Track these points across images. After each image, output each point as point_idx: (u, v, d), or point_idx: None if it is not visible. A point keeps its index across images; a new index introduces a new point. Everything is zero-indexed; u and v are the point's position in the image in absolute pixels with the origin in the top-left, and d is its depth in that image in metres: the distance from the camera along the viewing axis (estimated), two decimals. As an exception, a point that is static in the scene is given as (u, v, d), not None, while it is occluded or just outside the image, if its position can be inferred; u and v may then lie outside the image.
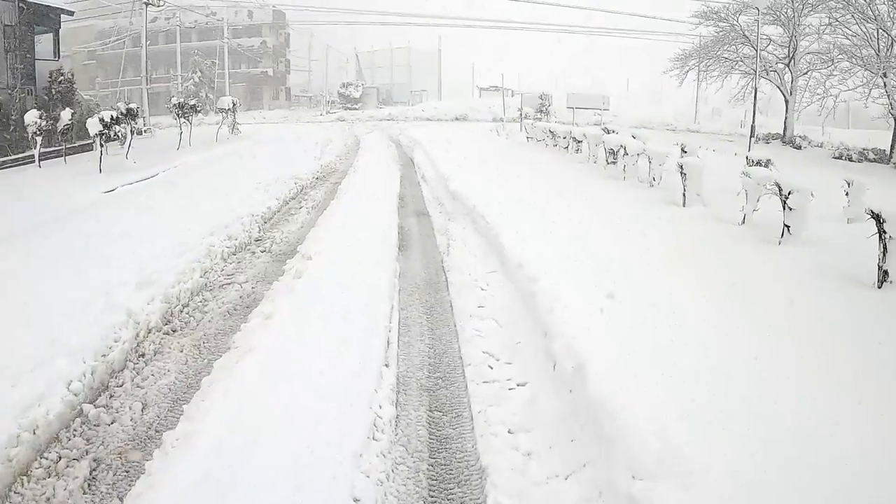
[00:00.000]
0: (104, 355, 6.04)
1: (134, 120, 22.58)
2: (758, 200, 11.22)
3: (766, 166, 13.84)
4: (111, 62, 59.31)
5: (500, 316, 6.94)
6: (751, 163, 14.13)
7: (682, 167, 12.94)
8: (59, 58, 30.12)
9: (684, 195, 12.76)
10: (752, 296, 6.84)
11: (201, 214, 11.54)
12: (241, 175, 17.04)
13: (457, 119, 47.70)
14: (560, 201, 12.51)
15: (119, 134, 22.10)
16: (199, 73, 53.59)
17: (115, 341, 6.36)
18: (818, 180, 11.54)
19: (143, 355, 6.43)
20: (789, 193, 9.87)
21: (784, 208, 9.97)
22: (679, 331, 5.70)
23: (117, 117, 20.44)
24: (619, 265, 7.89)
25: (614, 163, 17.60)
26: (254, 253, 10.09)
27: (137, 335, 6.69)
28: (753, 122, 28.98)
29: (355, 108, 60.48)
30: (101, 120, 19.30)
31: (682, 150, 16.71)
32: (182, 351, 6.53)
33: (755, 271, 8.00)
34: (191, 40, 63.28)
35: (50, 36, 28.91)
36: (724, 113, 56.69)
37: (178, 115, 25.87)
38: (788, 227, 9.98)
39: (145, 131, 33.61)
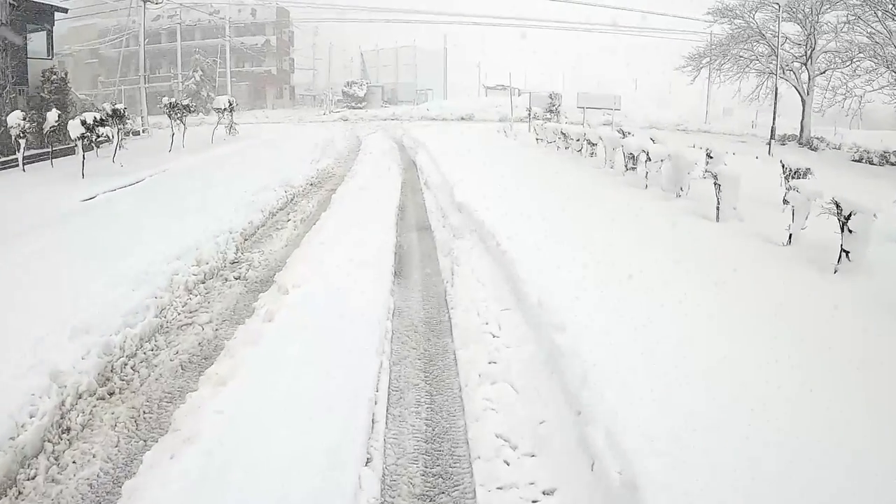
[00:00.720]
0: (12, 438, 4.62)
1: (121, 121, 21.21)
2: (806, 218, 9.74)
3: (805, 176, 12.33)
4: (114, 61, 58.06)
5: (517, 379, 5.45)
6: (788, 172, 12.61)
7: (716, 177, 11.44)
8: (52, 56, 28.75)
9: (718, 209, 11.28)
10: (837, 357, 5.36)
11: (176, 230, 10.11)
12: (228, 181, 15.62)
13: (462, 119, 46.19)
14: (580, 216, 11.04)
15: (109, 135, 20.82)
16: (200, 72, 52.19)
17: (31, 416, 4.92)
18: (847, 188, 10.08)
19: (67, 430, 5.01)
20: (850, 214, 8.39)
21: (843, 230, 8.48)
22: (778, 430, 4.22)
23: (101, 119, 18.99)
24: (659, 307, 6.41)
25: (633, 168, 16.11)
26: (226, 280, 8.63)
27: (63, 403, 5.25)
28: (774, 123, 27.48)
29: (359, 108, 59.00)
30: (84, 122, 17.87)
31: (708, 155, 15.19)
32: (115, 426, 5.08)
33: (822, 314, 6.51)
34: (194, 39, 61.94)
35: (43, 34, 27.63)
36: (734, 113, 55.13)
37: (170, 116, 24.48)
38: (847, 252, 8.49)
39: (143, 132, 32.33)
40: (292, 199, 14.43)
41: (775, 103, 27.57)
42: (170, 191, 14.63)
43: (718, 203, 11.31)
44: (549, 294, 6.73)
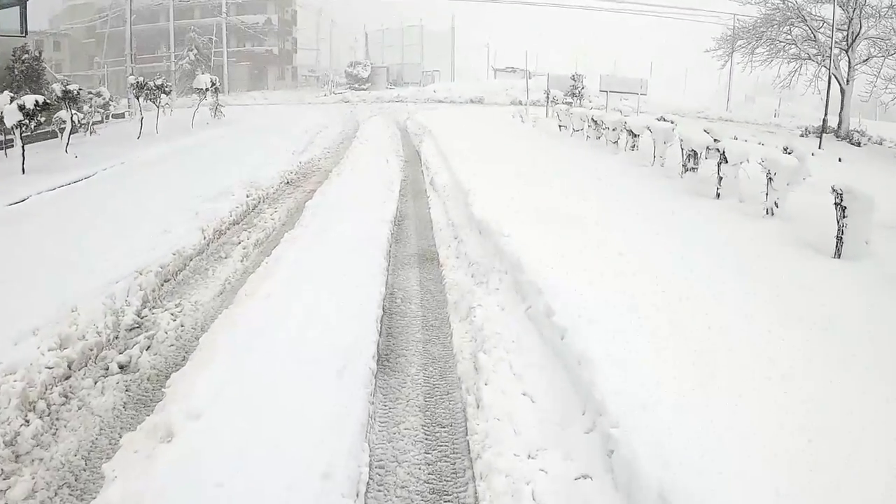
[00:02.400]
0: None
1: (75, 105, 17.58)
2: None
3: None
4: (111, 41, 54.25)
5: None
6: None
7: (840, 196, 7.74)
8: (26, 33, 25.18)
9: (840, 240, 7.63)
10: None
11: (65, 271, 6.61)
12: (184, 180, 12.04)
13: (471, 102, 42.31)
14: (654, 250, 7.39)
15: (75, 120, 17.36)
16: (195, 52, 48.25)
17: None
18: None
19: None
20: None
21: None
22: None
23: (45, 103, 15.33)
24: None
25: (694, 170, 12.45)
26: (99, 380, 5.03)
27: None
28: (825, 116, 23.61)
29: (363, 89, 55.01)
30: (21, 107, 14.30)
31: (785, 150, 11.49)
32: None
33: None
34: (193, 17, 57.94)
35: (16, 9, 24.23)
36: (756, 101, 51.12)
37: (137, 98, 20.84)
38: None
39: (127, 114, 28.78)
40: (255, 208, 10.80)
41: (828, 92, 23.72)
42: (108, 194, 11.13)
43: (841, 233, 7.65)
44: (659, 435, 3.16)
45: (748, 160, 10.74)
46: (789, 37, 32.69)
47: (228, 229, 9.34)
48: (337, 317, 5.69)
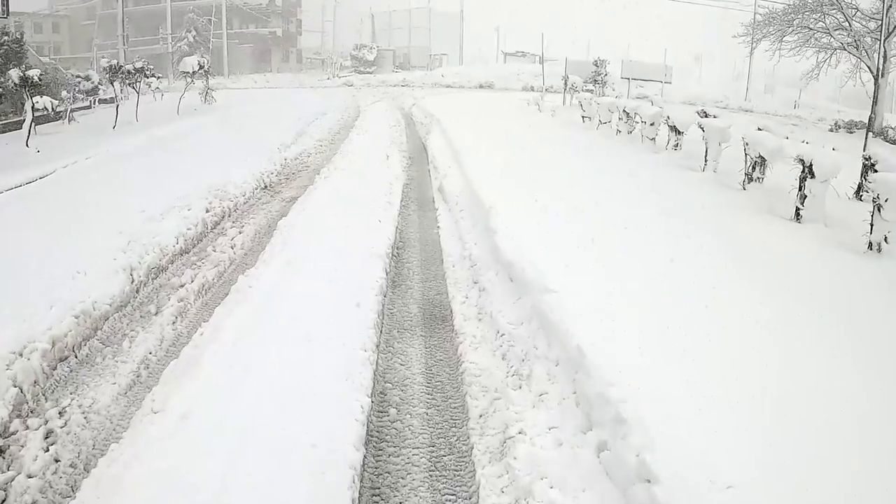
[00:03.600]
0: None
1: (36, 91, 15.14)
2: None
3: None
4: (109, 22, 51.48)
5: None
6: None
7: None
8: (7, 14, 22.73)
9: None
10: None
11: None
12: (139, 184, 9.58)
13: (481, 87, 39.58)
14: (791, 330, 4.93)
15: (49, 106, 15.01)
16: (193, 33, 45.47)
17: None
18: None
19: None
20: None
21: None
22: None
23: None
24: None
25: (759, 181, 9.97)
26: None
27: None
28: (873, 112, 20.87)
29: (368, 72, 52.19)
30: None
31: (868, 162, 8.99)
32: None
33: None
34: (194, -2, 55.13)
35: (-4, -11, 21.73)
36: (776, 91, 48.23)
37: (112, 83, 18.34)
38: None
39: (119, 98, 26.27)
40: (215, 227, 8.33)
41: (876, 87, 21.01)
42: (42, 206, 8.68)
43: None
44: None
45: (836, 176, 8.25)
46: (822, 24, 29.97)
47: (171, 264, 6.88)
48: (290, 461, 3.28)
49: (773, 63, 34.18)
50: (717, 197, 9.49)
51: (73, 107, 22.48)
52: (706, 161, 11.50)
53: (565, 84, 24.54)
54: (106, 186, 9.70)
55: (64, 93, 20.09)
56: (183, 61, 22.18)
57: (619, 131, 15.67)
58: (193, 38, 45.24)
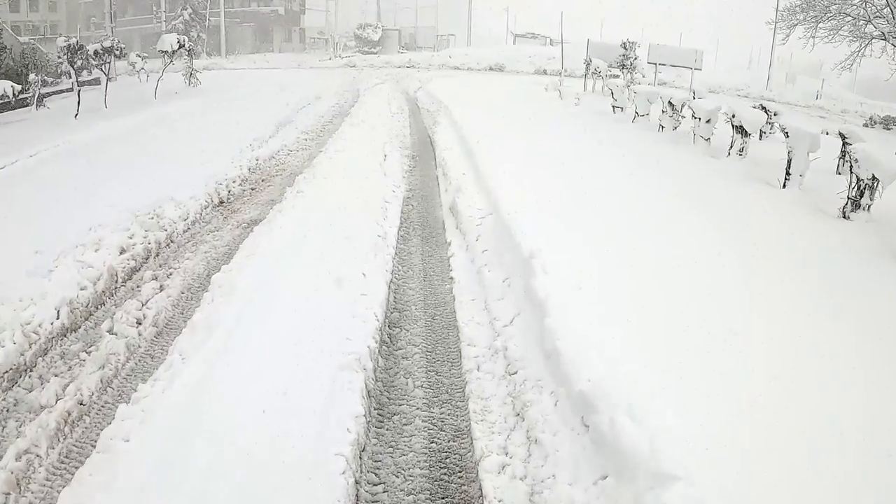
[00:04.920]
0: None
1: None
2: None
3: None
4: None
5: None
6: None
7: None
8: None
9: None
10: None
11: None
12: (54, 206, 6.88)
13: (491, 69, 36.44)
14: None
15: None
16: (189, 11, 42.26)
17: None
18: None
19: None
20: None
21: None
22: None
23: None
24: None
25: (866, 209, 7.17)
26: None
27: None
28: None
29: (372, 52, 48.94)
30: None
31: None
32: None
33: None
34: (195, -27, 51.78)
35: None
36: (798, 80, 44.94)
37: (72, 65, 15.51)
38: None
39: (110, 79, 23.46)
40: (128, 278, 5.56)
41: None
42: None
43: None
44: None
45: None
46: (862, 11, 26.84)
47: (48, 350, 4.17)
48: None
49: (792, 51, 31.24)
50: (826, 235, 6.67)
51: (48, 90, 19.76)
52: (788, 175, 8.65)
53: (587, 68, 21.54)
54: (13, 204, 6.97)
55: (32, 76, 17.37)
56: (161, 39, 19.26)
57: (662, 127, 12.80)
58: (189, 15, 42.06)
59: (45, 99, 17.71)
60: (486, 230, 6.28)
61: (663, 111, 12.81)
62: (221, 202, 7.75)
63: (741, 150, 10.34)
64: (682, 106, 12.44)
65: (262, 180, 8.93)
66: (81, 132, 12.49)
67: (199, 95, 19.04)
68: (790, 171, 8.68)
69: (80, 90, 15.62)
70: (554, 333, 3.94)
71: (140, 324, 4.77)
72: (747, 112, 10.27)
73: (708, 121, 11.11)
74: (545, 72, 34.15)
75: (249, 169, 9.23)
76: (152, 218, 6.58)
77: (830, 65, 36.22)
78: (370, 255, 5.53)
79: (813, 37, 28.21)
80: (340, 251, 5.62)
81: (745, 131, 10.19)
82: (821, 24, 27.79)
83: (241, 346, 4.06)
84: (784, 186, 8.68)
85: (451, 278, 5.54)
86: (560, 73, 22.71)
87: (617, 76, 19.85)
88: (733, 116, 10.25)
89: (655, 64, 22.93)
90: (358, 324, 4.34)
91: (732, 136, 10.42)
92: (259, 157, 9.97)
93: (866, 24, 26.26)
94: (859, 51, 26.75)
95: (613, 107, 15.58)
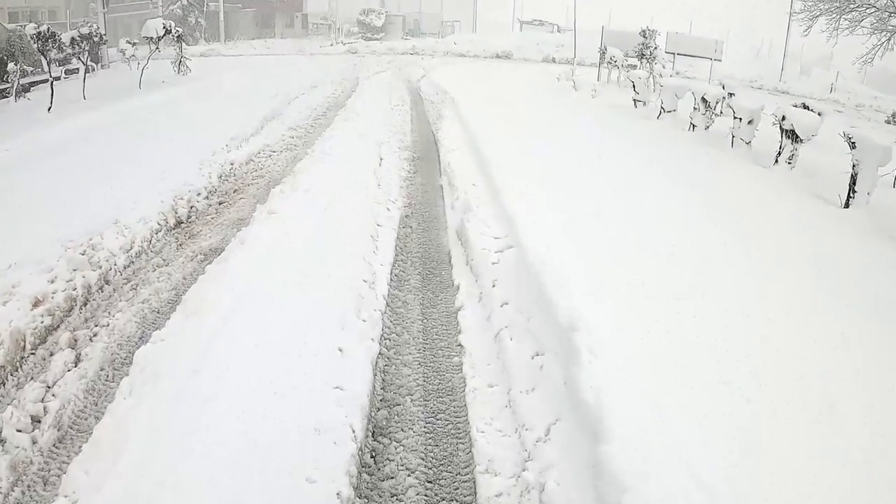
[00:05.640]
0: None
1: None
2: None
3: None
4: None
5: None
6: None
7: None
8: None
9: None
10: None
11: None
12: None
13: (497, 57, 34.71)
14: None
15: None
16: (187, -6, 40.48)
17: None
18: None
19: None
20: None
21: None
22: None
23: None
24: None
25: None
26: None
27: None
28: None
29: (375, 39, 47.15)
30: None
31: None
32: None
33: None
34: (195, -44, 49.85)
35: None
36: (812, 73, 43.05)
37: (44, 54, 13.95)
38: None
39: (93, 68, 21.93)
40: (44, 340, 4.06)
41: None
42: None
43: None
44: None
45: None
46: (887, 2, 25.09)
47: None
48: None
49: (804, 43, 29.61)
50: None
51: (30, 80, 18.24)
52: (852, 193, 7.19)
53: (601, 57, 19.94)
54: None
55: (11, 65, 15.88)
56: (145, 25, 17.68)
57: (693, 126, 11.29)
58: (188, 0, 40.28)
59: (31, 89, 16.24)
60: (505, 272, 4.82)
61: (695, 108, 11.29)
62: (179, 223, 6.29)
63: (790, 157, 8.84)
64: (717, 103, 10.93)
65: (235, 191, 7.46)
66: (46, 130, 11.02)
67: (186, 84, 17.52)
68: (856, 188, 7.22)
69: (53, 81, 14.09)
70: (619, 482, 2.51)
71: (38, 423, 3.36)
72: (799, 114, 8.75)
73: (750, 121, 9.62)
74: (553, 60, 32.48)
75: (220, 177, 7.76)
76: (84, 252, 5.14)
77: (840, 57, 34.45)
78: (351, 316, 4.09)
79: (836, 28, 26.44)
80: (313, 308, 4.18)
81: (797, 136, 8.69)
82: (843, 16, 26.05)
83: (150, 491, 2.64)
84: (847, 205, 7.23)
85: (461, 347, 4.10)
86: (573, 63, 21.09)
87: (634, 66, 18.26)
88: (783, 119, 8.73)
89: (673, 54, 21.31)
90: (325, 449, 2.91)
91: (781, 142, 8.92)
92: (234, 160, 8.50)
93: (889, 17, 24.48)
94: (881, 44, 24.94)
95: (635, 100, 14.04)
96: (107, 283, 5.04)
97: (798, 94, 29.56)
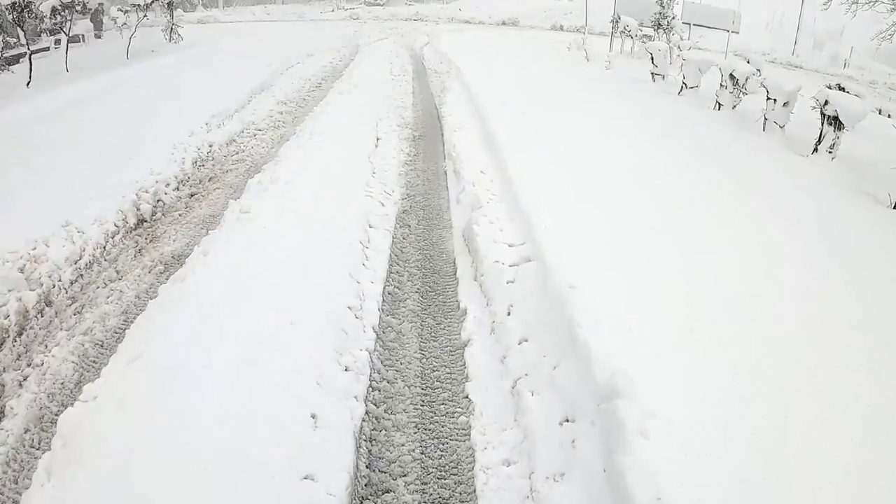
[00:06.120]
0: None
1: None
2: None
3: None
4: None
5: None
6: None
7: None
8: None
9: None
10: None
11: None
12: None
13: (504, 24, 33.26)
14: None
15: None
16: (183, -46, 38.78)
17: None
18: None
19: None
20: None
21: None
22: None
23: None
24: None
25: None
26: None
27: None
28: None
29: (378, 5, 45.41)
30: None
31: None
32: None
33: None
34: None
35: None
36: (826, 47, 41.30)
37: (20, 25, 12.84)
38: None
39: (95, 35, 20.77)
40: None
41: None
42: None
43: None
44: None
45: None
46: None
47: None
48: None
49: (815, 15, 28.21)
50: None
51: (14, 53, 17.14)
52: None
53: (614, 26, 18.73)
54: None
55: (-8, 37, 14.78)
56: (132, -13, 16.51)
57: (719, 105, 10.28)
58: (184, -38, 38.60)
59: (20, 60, 15.15)
60: (523, 295, 3.94)
61: (722, 85, 10.26)
62: (141, 222, 5.41)
63: (831, 146, 7.85)
64: (746, 79, 9.90)
65: (210, 179, 6.55)
66: (21, 105, 9.99)
67: (176, 53, 16.42)
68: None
69: (31, 55, 13.03)
70: None
71: None
72: (845, 98, 7.73)
73: (785, 104, 8.62)
74: (562, 28, 31.07)
75: (195, 162, 6.84)
76: (23, 267, 4.28)
77: (851, 32, 32.82)
78: (331, 363, 3.24)
79: (856, 2, 24.96)
80: (282, 352, 3.31)
81: (841, 123, 7.69)
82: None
83: None
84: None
85: (468, 401, 3.25)
86: (584, 31, 19.87)
87: (649, 37, 17.07)
88: (825, 104, 7.71)
89: (689, 24, 20.06)
90: None
91: (822, 129, 7.91)
92: (213, 141, 7.57)
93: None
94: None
95: (653, 74, 12.96)
96: (48, 304, 4.18)
97: (810, 69, 28.30)
